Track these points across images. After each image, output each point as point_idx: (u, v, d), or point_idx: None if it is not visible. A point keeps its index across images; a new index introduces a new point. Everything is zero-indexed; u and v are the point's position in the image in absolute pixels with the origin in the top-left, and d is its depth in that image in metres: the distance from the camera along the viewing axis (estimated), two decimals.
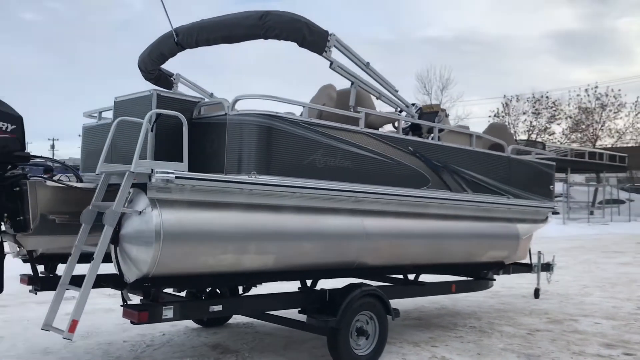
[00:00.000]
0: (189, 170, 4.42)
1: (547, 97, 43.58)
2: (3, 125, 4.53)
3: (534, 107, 44.17)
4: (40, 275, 5.53)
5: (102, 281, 4.75)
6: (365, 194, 5.43)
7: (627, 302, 9.57)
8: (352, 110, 5.55)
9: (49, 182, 4.68)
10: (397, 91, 5.92)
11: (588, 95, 42.30)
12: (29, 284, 5.49)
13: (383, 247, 5.73)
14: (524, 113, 44.45)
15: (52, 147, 76.38)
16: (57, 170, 5.60)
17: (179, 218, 4.31)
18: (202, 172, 4.54)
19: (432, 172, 6.19)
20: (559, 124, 43.98)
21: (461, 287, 7.08)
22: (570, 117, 43.45)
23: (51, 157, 5.03)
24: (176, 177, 4.20)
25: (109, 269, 4.92)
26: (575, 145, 39.78)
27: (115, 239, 4.31)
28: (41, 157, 4.85)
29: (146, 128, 4.35)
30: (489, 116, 45.27)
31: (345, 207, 5.40)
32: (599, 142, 42.83)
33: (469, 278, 7.48)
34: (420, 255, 6.20)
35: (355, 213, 5.50)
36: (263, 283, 5.48)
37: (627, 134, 43.30)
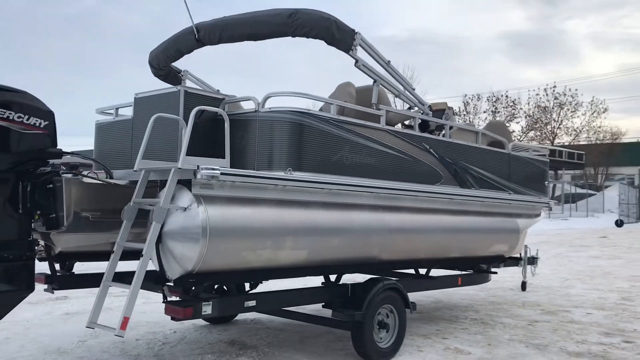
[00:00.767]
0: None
1: (506, 96, 44.67)
2: (36, 121, 4.44)
3: (493, 105, 45.21)
4: (57, 273, 5.47)
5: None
6: (389, 191, 5.54)
7: (609, 293, 9.97)
8: (374, 108, 5.65)
9: (85, 179, 4.62)
10: (414, 89, 6.05)
11: (547, 94, 43.55)
12: (45, 283, 5.41)
13: (402, 242, 5.85)
14: (484, 112, 45.45)
15: None
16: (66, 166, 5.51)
17: (223, 214, 4.33)
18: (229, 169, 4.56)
19: (445, 169, 6.35)
20: (517, 122, 45.13)
21: (466, 281, 7.28)
22: (530, 116, 44.65)
23: (81, 153, 4.96)
24: (221, 174, 4.22)
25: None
26: (534, 143, 40.85)
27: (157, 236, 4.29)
28: (73, 153, 4.77)
29: (192, 124, 4.33)
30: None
31: (371, 203, 5.51)
32: (557, 140, 44.15)
33: (469, 272, 7.69)
34: (435, 249, 6.36)
35: (378, 209, 5.61)
36: (272, 279, 5.53)
37: (583, 132, 44.79)
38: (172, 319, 4.40)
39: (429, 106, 6.66)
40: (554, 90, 43.46)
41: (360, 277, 6.47)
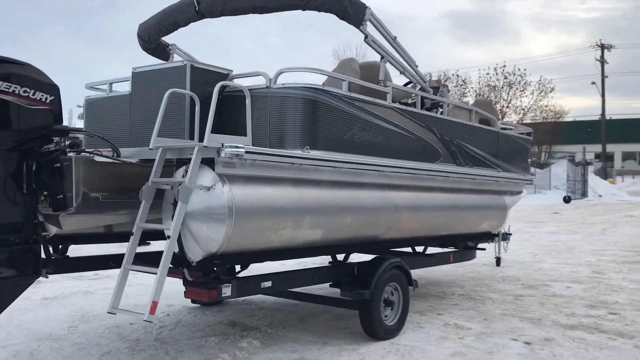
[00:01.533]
0: None
1: (457, 75, 45.29)
2: (42, 96, 4.17)
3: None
4: (52, 257, 5.21)
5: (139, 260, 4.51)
6: (398, 169, 5.51)
7: (580, 267, 10.31)
8: (382, 84, 5.57)
9: (97, 158, 4.37)
10: (417, 66, 6.01)
11: (497, 74, 44.38)
12: None
13: (406, 220, 5.84)
14: None
15: None
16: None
17: (246, 194, 4.20)
18: None
19: (443, 147, 6.36)
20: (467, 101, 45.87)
21: (457, 257, 7.36)
22: (480, 95, 45.40)
23: (88, 130, 4.69)
24: (246, 152, 4.07)
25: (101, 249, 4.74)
26: None
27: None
28: (79, 130, 4.51)
29: (216, 100, 4.15)
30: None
31: (380, 182, 5.46)
32: (505, 119, 45.13)
33: (454, 249, 7.79)
34: (434, 227, 6.39)
35: (385, 187, 5.57)
36: (289, 259, 5.45)
37: (531, 111, 45.97)
38: (193, 301, 4.25)
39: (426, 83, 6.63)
40: (503, 70, 44.35)
41: (357, 257, 6.46)
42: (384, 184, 5.51)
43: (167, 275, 4.29)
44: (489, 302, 7.41)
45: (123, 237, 5.49)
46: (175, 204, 4.11)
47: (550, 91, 44.07)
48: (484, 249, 8.06)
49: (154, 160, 4.50)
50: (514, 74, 43.31)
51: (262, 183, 4.41)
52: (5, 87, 3.95)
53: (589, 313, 6.88)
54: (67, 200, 4.29)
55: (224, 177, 4.11)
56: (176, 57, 6.83)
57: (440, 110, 6.56)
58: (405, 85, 6.67)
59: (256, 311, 6.75)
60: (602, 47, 54.10)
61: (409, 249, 6.93)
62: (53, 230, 4.49)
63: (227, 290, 4.34)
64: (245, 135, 4.28)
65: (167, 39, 6.50)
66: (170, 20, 5.84)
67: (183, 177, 4.17)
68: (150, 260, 4.78)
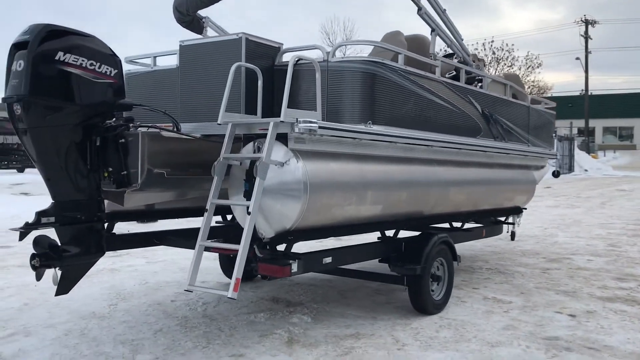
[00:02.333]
0: None
1: (445, 50, 45.28)
2: (107, 69, 4.05)
3: None
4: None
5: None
6: (448, 144, 5.48)
7: (594, 241, 10.44)
8: (432, 58, 5.51)
9: (164, 133, 4.27)
10: (462, 40, 5.94)
11: (485, 49, 44.49)
12: None
13: (452, 195, 5.84)
14: None
15: None
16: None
17: (317, 169, 4.14)
18: None
19: (483, 121, 6.34)
20: None
21: (488, 232, 7.40)
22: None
23: (149, 105, 4.57)
24: (319, 127, 4.00)
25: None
26: None
27: (247, 194, 4.06)
28: (141, 105, 4.38)
29: (291, 74, 4.05)
30: None
31: (431, 157, 5.44)
32: None
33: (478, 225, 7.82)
34: (475, 202, 6.40)
35: (434, 163, 5.55)
36: (352, 235, 5.39)
37: None
38: (264, 277, 4.20)
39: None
40: (491, 45, 44.48)
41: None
42: (434, 159, 5.49)
43: (219, 251, 4.25)
44: (519, 275, 7.48)
45: (170, 213, 5.43)
46: (249, 179, 4.03)
47: (538, 67, 44.32)
48: (512, 224, 8.11)
49: (213, 135, 4.42)
50: (502, 49, 43.44)
51: (328, 159, 4.36)
52: (72, 60, 3.83)
53: (620, 285, 6.98)
54: (132, 176, 4.20)
55: (297, 153, 4.05)
56: (210, 31, 6.69)
57: (480, 84, 6.53)
58: (445, 57, 6.61)
59: (293, 287, 6.72)
60: (587, 22, 54.35)
61: (443, 225, 6.93)
62: (112, 207, 4.41)
63: (294, 267, 4.30)
64: (315, 110, 4.21)
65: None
66: None
67: (254, 153, 4.10)
68: (188, 237, 4.79)
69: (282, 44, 5.20)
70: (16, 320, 5.49)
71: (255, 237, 4.21)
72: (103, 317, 5.59)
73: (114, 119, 4.23)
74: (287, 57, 5.17)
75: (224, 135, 4.36)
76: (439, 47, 6.72)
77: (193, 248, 5.91)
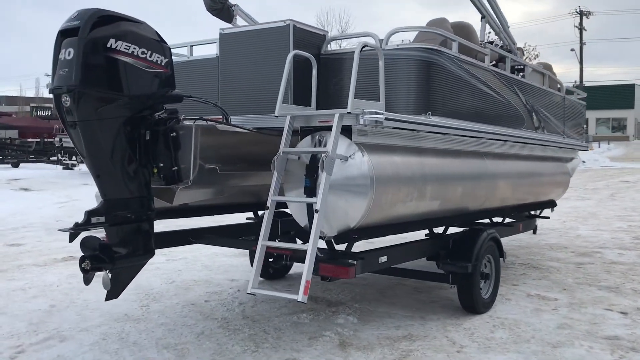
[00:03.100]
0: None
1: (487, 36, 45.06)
2: (158, 57, 3.78)
3: None
4: None
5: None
6: (500, 136, 5.26)
7: (617, 234, 10.28)
8: (483, 46, 5.28)
9: (219, 126, 4.00)
10: (509, 27, 5.71)
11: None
12: None
13: (500, 189, 5.62)
14: None
15: None
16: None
17: (381, 163, 3.90)
18: None
19: (526, 112, 6.12)
20: None
21: (525, 227, 7.20)
22: None
23: (200, 97, 4.30)
24: (386, 119, 3.76)
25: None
26: None
27: (308, 190, 3.81)
28: (191, 96, 4.12)
29: (358, 63, 3.80)
30: None
31: (482, 150, 5.22)
32: None
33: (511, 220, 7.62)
34: (518, 196, 6.19)
35: (484, 155, 5.33)
36: (411, 231, 5.14)
37: None
38: (323, 279, 3.97)
39: (502, 47, 6.35)
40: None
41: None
42: (485, 152, 5.27)
43: (283, 251, 4.02)
44: (554, 270, 7.29)
45: (209, 210, 5.17)
46: (310, 175, 3.79)
47: (535, 58, 44.21)
48: (548, 217, 7.91)
49: (261, 128, 4.18)
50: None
51: (390, 152, 4.12)
52: (124, 48, 3.56)
53: None
54: (183, 172, 3.95)
55: (361, 146, 3.81)
56: (239, 19, 6.43)
57: (522, 74, 6.30)
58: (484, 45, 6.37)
59: (328, 285, 6.49)
60: (581, 13, 54.31)
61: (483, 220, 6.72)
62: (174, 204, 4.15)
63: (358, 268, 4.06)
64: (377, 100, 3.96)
65: None
66: None
67: (315, 146, 3.85)
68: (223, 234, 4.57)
69: (327, 32, 4.95)
70: (47, 324, 5.23)
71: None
72: (138, 319, 5.34)
73: (162, 112, 3.97)
74: (334, 46, 4.93)
75: (275, 128, 4.12)
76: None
77: (229, 246, 5.72)
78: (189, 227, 5.80)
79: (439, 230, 5.53)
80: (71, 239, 3.82)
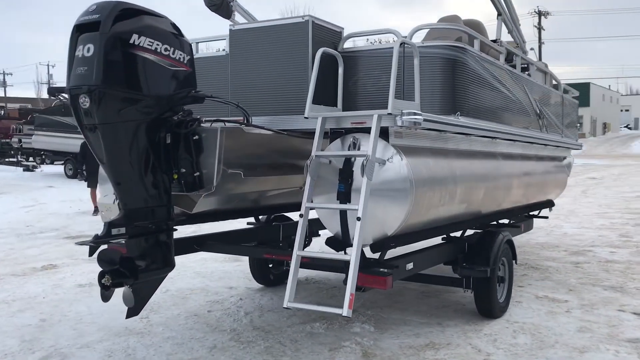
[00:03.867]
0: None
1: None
2: (180, 55, 3.50)
3: None
4: None
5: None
6: (516, 136, 5.14)
7: (603, 231, 10.37)
8: (499, 44, 5.14)
9: (246, 128, 3.74)
10: (520, 25, 5.60)
11: None
12: None
13: (515, 190, 5.51)
14: None
15: None
16: None
17: (419, 166, 3.71)
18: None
19: (533, 112, 6.03)
20: None
21: (526, 227, 7.13)
22: None
23: (221, 97, 4.03)
24: (424, 120, 3.57)
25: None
26: None
27: (342, 196, 3.60)
28: (212, 96, 3.83)
29: (397, 60, 3.59)
30: None
31: (498, 151, 5.09)
32: None
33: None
34: (525, 196, 6.09)
35: (499, 156, 5.20)
36: (437, 236, 4.97)
37: None
38: (357, 289, 3.74)
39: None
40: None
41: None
42: (502, 152, 5.15)
43: (321, 262, 3.78)
44: (554, 271, 7.24)
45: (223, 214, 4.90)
46: (344, 179, 3.57)
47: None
48: (547, 217, 7.87)
49: (287, 130, 3.94)
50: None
51: (424, 154, 3.94)
52: (147, 44, 3.27)
53: None
54: (206, 178, 3.67)
55: (398, 149, 3.61)
56: (237, 16, 6.15)
57: (527, 72, 6.20)
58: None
59: (331, 290, 6.29)
60: (540, 13, 55.36)
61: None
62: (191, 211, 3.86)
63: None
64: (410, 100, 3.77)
65: None
66: None
67: (349, 149, 3.63)
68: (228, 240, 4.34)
69: (343, 28, 4.73)
70: (41, 341, 4.88)
71: (347, 244, 3.75)
72: (141, 333, 5.03)
73: (180, 113, 3.69)
74: (350, 43, 4.73)
75: (299, 129, 3.90)
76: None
77: (234, 253, 5.45)
78: (188, 235, 5.52)
79: (456, 233, 5.37)
80: (91, 253, 3.51)
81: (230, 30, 4.66)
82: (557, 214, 12.71)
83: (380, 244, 3.69)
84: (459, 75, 4.29)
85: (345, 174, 3.62)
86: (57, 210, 13.54)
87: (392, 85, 3.50)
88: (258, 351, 4.55)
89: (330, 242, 3.89)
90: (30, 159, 27.68)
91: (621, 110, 76.81)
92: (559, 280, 6.77)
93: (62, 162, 23.16)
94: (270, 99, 4.44)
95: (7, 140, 29.41)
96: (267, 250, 3.74)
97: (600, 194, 17.03)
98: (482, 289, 5.08)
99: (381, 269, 3.73)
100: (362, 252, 3.85)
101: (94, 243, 3.35)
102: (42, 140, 23.10)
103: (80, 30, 3.24)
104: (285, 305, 3.62)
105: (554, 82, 7.18)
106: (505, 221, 6.58)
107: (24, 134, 26.21)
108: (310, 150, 3.75)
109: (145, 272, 3.47)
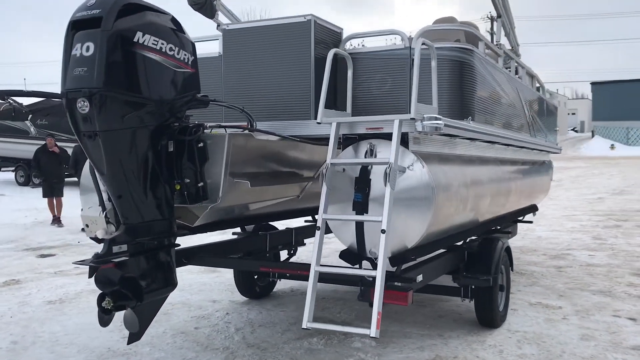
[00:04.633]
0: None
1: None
2: (185, 55, 3.22)
3: None
4: None
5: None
6: (516, 141, 5.02)
7: (576, 234, 10.47)
8: (499, 47, 5.02)
9: (257, 135, 3.46)
10: (515, 28, 5.50)
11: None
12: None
13: (513, 196, 5.40)
14: None
15: None
16: None
17: (437, 173, 3.52)
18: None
19: (524, 116, 5.95)
20: None
21: (513, 233, 7.06)
22: None
23: (225, 102, 3.74)
24: (445, 125, 3.38)
25: None
26: None
27: (359, 206, 3.37)
28: (216, 100, 3.55)
29: (418, 60, 3.38)
30: None
31: (504, 157, 4.97)
32: None
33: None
34: (520, 201, 6.00)
35: (499, 162, 5.08)
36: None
37: None
38: (372, 305, 3.51)
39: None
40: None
41: None
42: (501, 158, 5.03)
43: (342, 277, 3.55)
44: (540, 276, 7.20)
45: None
46: (361, 189, 3.35)
47: None
48: (531, 222, 7.83)
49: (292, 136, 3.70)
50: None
51: (440, 161, 3.75)
52: (152, 43, 2.99)
53: None
54: (211, 189, 3.39)
55: (418, 155, 3.41)
56: (220, 15, 5.86)
57: (517, 75, 6.12)
58: None
59: (320, 302, 6.04)
60: (492, 19, 56.50)
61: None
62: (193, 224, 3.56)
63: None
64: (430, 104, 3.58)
65: None
66: None
67: (366, 156, 3.41)
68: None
69: (343, 29, 4.52)
70: None
71: (362, 257, 3.53)
72: (126, 354, 4.68)
73: (183, 118, 3.40)
74: (352, 44, 4.51)
75: (310, 136, 3.66)
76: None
77: (227, 267, 5.16)
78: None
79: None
80: (91, 274, 3.18)
81: (224, 30, 4.38)
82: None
83: (401, 257, 3.48)
84: (467, 78, 4.13)
85: (362, 183, 3.39)
86: (12, 221, 12.84)
87: (415, 89, 3.29)
88: None
89: (344, 255, 3.65)
90: None
91: (568, 114, 79.10)
92: (547, 285, 6.71)
93: (13, 168, 22.16)
94: (268, 102, 4.19)
95: None
96: (336, 272, 3.44)
97: (562, 196, 17.32)
98: (484, 298, 4.93)
99: (398, 284, 3.51)
100: (393, 265, 3.63)
101: (94, 263, 3.02)
102: None
103: (77, 27, 2.92)
104: (304, 326, 3.35)
105: (537, 84, 7.15)
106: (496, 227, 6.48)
107: None
108: (317, 157, 3.52)
109: (149, 293, 3.16)
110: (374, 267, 3.54)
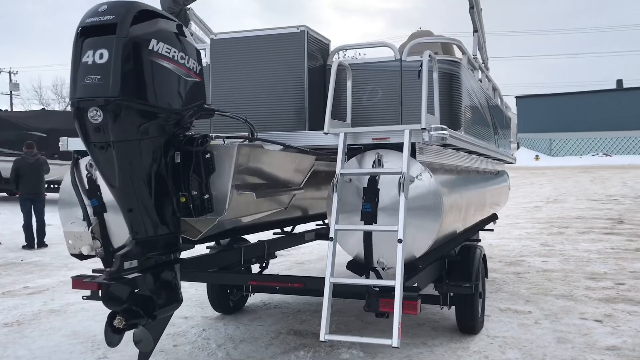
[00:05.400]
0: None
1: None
2: (194, 64, 3.14)
3: None
4: None
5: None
6: (492, 152, 5.16)
7: (524, 241, 10.85)
8: (475, 60, 5.16)
9: (267, 146, 3.39)
10: (485, 43, 5.68)
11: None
12: None
13: (487, 205, 5.55)
14: None
15: None
16: None
17: (443, 183, 3.57)
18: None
19: (491, 126, 6.14)
20: None
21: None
22: None
23: (229, 112, 3.64)
24: (450, 136, 3.45)
25: None
26: None
27: (368, 216, 3.38)
28: (219, 110, 3.46)
29: (426, 71, 3.42)
30: None
31: (483, 167, 5.09)
32: None
33: None
34: (488, 209, 6.16)
35: (477, 172, 5.21)
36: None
37: None
38: (379, 315, 3.52)
39: None
40: (344, 55, 45.63)
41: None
42: (482, 168, 5.16)
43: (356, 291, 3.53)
44: (502, 282, 7.41)
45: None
46: (370, 199, 3.35)
47: None
48: (492, 230, 8.04)
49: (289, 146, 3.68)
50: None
51: (441, 171, 3.82)
52: (165, 51, 2.91)
53: (601, 285, 7.18)
54: (217, 201, 3.30)
55: (425, 165, 3.45)
56: (192, 24, 5.78)
57: (486, 88, 6.31)
58: None
59: (297, 315, 5.99)
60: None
61: None
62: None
63: None
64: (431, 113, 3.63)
65: None
66: None
67: (374, 166, 3.42)
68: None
69: (330, 40, 4.53)
70: None
71: (369, 267, 3.53)
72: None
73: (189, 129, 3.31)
74: (340, 56, 4.53)
75: (314, 146, 3.63)
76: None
77: (208, 281, 5.03)
78: None
79: None
80: (103, 293, 3.01)
81: (212, 39, 4.31)
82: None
83: (411, 267, 3.50)
84: (455, 90, 4.23)
85: (371, 193, 3.40)
86: None
87: (424, 100, 3.34)
88: None
89: (352, 266, 3.64)
90: None
91: None
92: (511, 291, 6.91)
93: None
94: (259, 113, 4.14)
95: None
96: (354, 283, 3.36)
97: None
98: (466, 305, 5.02)
99: (412, 293, 3.52)
100: (379, 274, 3.64)
101: (107, 281, 2.87)
102: None
103: (87, 33, 2.79)
104: (322, 339, 3.30)
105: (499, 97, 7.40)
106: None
107: None
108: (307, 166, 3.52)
109: (160, 309, 3.04)
110: (379, 277, 3.55)
